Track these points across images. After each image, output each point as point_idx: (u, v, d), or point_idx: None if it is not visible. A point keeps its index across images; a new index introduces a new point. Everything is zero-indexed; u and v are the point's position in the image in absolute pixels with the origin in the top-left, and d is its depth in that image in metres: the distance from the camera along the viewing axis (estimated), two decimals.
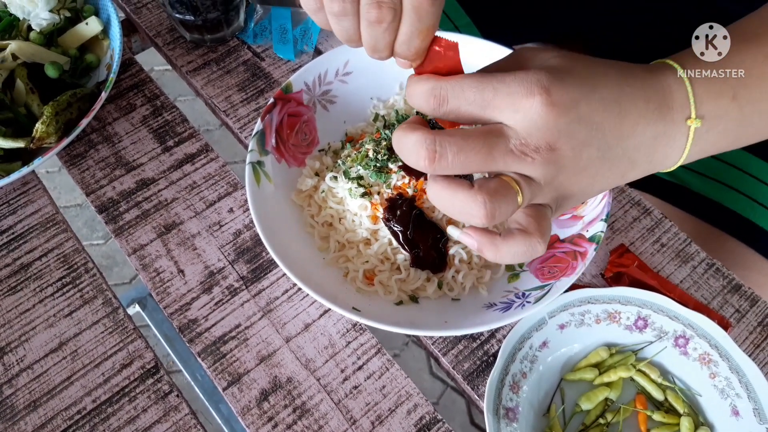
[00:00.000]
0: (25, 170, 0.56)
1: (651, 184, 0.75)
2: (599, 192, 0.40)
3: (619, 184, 0.41)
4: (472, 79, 0.36)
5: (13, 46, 0.63)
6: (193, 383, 1.03)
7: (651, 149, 0.39)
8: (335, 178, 0.58)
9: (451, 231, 0.41)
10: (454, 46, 0.38)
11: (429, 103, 0.37)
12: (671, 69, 0.41)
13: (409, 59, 0.38)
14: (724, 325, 0.55)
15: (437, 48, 0.38)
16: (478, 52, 0.63)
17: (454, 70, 0.39)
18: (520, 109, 0.35)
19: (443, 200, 0.37)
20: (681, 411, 0.51)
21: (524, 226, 0.38)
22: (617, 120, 0.37)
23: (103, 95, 0.60)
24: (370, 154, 0.56)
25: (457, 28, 0.92)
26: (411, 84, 0.38)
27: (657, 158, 0.40)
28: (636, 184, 0.76)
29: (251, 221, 0.60)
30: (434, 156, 0.35)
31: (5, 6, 0.67)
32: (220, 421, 0.99)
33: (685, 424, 0.50)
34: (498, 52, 0.63)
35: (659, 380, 0.52)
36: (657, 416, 0.51)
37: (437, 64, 0.39)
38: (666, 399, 0.51)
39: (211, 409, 1.00)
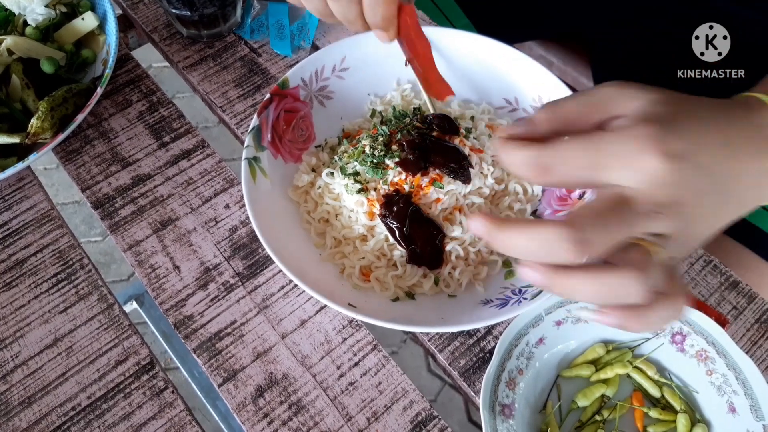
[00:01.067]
0: (20, 166, 0.56)
1: None
2: (713, 234, 0.39)
3: (731, 221, 0.39)
4: (572, 143, 0.34)
5: (8, 41, 0.63)
6: (190, 380, 1.03)
7: (760, 185, 0.38)
8: (332, 174, 0.57)
9: (586, 315, 0.40)
10: (412, 12, 0.46)
11: (533, 174, 0.35)
12: (763, 104, 0.39)
13: (380, 27, 0.42)
14: (722, 322, 0.55)
15: (407, 17, 0.46)
16: (477, 48, 0.63)
17: (418, 32, 0.46)
18: (637, 167, 0.33)
19: (592, 288, 0.34)
20: (678, 408, 0.51)
21: (662, 288, 0.36)
22: (728, 163, 0.36)
23: (99, 90, 0.60)
24: (367, 150, 0.56)
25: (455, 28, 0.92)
26: (505, 151, 0.36)
27: (765, 193, 0.39)
28: None
29: (247, 217, 0.60)
30: (585, 247, 0.32)
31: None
32: (217, 418, 0.99)
33: (682, 420, 0.50)
34: (497, 48, 0.63)
35: (656, 377, 0.52)
36: (654, 413, 0.51)
37: (410, 32, 0.45)
38: (663, 396, 0.51)
39: (208, 406, 1.00)
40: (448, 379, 1.42)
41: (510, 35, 0.96)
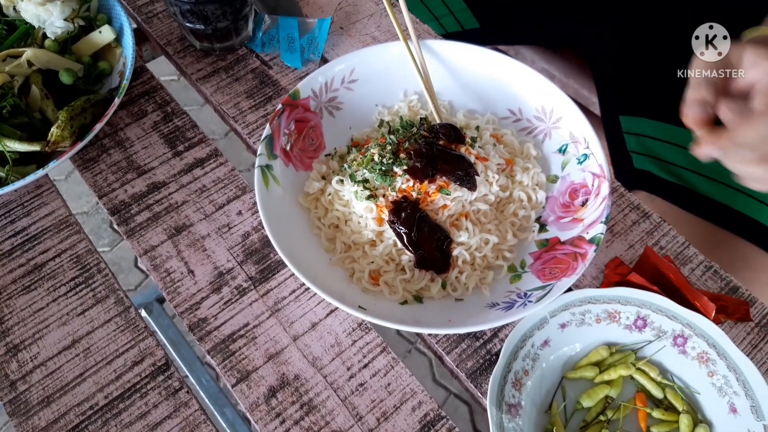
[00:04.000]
0: (40, 173, 0.58)
1: (657, 186, 0.76)
2: None
3: None
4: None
5: (28, 53, 0.65)
6: (198, 388, 1.04)
7: None
8: (341, 181, 0.59)
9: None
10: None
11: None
12: None
13: None
14: (746, 308, 0.57)
15: None
16: (482, 60, 0.65)
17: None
18: None
19: None
20: (680, 408, 0.52)
21: None
22: None
23: (117, 101, 0.62)
24: (376, 158, 0.58)
25: (457, 21, 0.94)
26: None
27: None
28: (644, 186, 0.77)
29: (259, 224, 0.62)
30: None
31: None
32: (224, 425, 1.00)
33: (684, 421, 0.51)
34: (502, 61, 0.64)
35: (658, 378, 0.53)
36: (656, 413, 0.52)
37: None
38: (665, 397, 0.53)
39: (216, 413, 1.01)
40: (453, 389, 1.43)
41: (509, 33, 0.98)
